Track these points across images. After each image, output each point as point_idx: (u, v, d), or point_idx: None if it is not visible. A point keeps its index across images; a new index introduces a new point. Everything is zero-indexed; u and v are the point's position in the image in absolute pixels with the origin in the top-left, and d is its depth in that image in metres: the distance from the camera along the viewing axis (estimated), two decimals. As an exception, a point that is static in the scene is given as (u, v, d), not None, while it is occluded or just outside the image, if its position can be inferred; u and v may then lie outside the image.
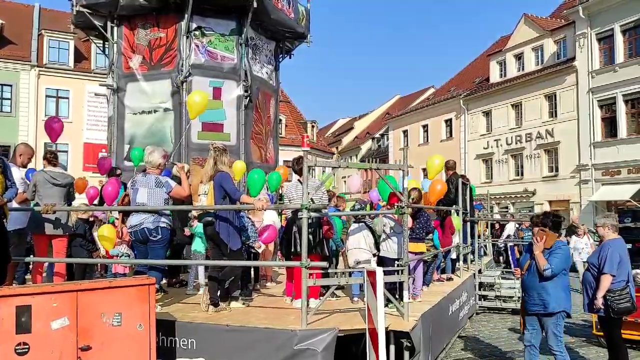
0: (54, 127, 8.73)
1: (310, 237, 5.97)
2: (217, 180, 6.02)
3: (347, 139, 63.18)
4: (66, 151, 29.81)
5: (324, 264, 5.70)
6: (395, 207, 5.94)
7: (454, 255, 9.76)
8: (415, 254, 6.90)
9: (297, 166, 6.32)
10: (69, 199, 6.90)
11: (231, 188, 5.99)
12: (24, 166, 6.86)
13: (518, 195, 31.78)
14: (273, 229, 7.65)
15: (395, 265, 6.18)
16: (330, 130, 71.39)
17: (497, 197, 31.76)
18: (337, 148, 60.82)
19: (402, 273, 5.82)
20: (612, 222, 6.08)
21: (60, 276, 6.86)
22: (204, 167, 6.30)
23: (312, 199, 6.00)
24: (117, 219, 7.93)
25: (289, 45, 13.40)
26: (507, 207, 32.41)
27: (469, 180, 11.13)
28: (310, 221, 5.88)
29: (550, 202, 29.86)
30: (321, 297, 6.34)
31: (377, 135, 54.77)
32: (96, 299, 4.64)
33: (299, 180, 6.51)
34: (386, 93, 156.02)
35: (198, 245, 7.63)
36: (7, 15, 30.60)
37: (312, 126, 49.98)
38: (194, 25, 10.93)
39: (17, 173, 6.44)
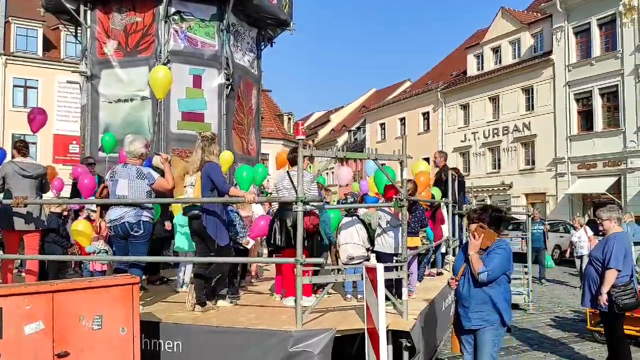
0: (36, 118, 8.19)
1: (291, 230, 5.65)
2: (205, 171, 5.63)
3: (323, 132, 62.93)
4: (35, 143, 28.75)
5: (320, 260, 5.37)
6: (394, 199, 5.64)
7: (443, 249, 9.54)
8: (410, 248, 6.63)
9: (290, 155, 5.98)
10: (42, 190, 6.43)
11: (220, 180, 5.61)
12: None
13: (495, 188, 31.99)
14: (265, 221, 7.28)
15: (394, 260, 5.89)
16: (307, 123, 70.99)
17: (474, 190, 31.89)
18: (313, 141, 60.44)
19: (401, 269, 5.54)
20: (617, 215, 5.90)
21: (33, 274, 6.39)
22: (191, 157, 5.88)
23: (295, 189, 5.70)
24: (95, 211, 7.45)
25: (271, 33, 12.96)
26: (483, 200, 32.57)
27: (460, 173, 10.94)
28: (292, 215, 5.56)
29: (526, 195, 30.14)
30: (315, 295, 6.02)
31: (353, 128, 54.61)
32: (74, 300, 4.24)
33: (287, 171, 6.16)
34: (361, 86, 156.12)
35: (181, 241, 7.20)
36: (-29, 1, 29.39)
37: (289, 118, 49.56)
38: (173, 10, 10.42)
39: None
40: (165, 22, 10.32)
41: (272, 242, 6.15)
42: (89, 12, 10.81)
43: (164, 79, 7.87)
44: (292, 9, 12.77)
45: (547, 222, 15.56)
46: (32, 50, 30.40)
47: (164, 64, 10.12)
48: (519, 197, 30.28)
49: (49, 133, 29.26)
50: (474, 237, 4.40)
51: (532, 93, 29.84)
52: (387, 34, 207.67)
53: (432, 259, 9.15)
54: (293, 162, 5.98)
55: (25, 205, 5.95)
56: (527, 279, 10.60)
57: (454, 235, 9.89)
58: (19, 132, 27.50)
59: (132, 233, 5.63)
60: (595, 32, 26.16)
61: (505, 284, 4.41)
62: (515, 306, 10.66)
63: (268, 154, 40.01)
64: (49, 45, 31.14)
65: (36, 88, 30.09)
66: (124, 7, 10.60)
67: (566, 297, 12.31)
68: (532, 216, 12.34)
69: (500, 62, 32.68)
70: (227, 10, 10.71)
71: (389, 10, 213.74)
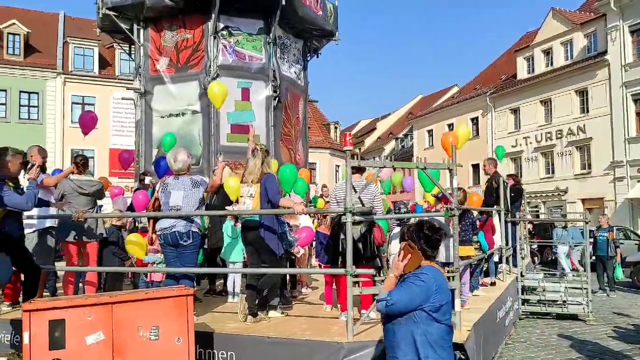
0: (87, 120, 8.59)
1: (360, 245, 5.60)
2: (264, 182, 5.75)
3: (369, 140, 62.72)
4: (92, 157, 29.99)
5: (371, 271, 5.34)
6: (445, 209, 5.56)
7: (496, 258, 9.31)
8: (462, 258, 6.51)
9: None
10: (99, 198, 6.76)
11: (274, 190, 5.71)
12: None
13: (549, 194, 30.99)
14: (309, 231, 7.33)
15: (445, 270, 5.79)
16: (353, 131, 70.93)
17: (527, 196, 31.00)
18: (359, 149, 60.33)
19: (453, 280, 5.44)
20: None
21: (92, 285, 6.64)
22: (249, 168, 5.96)
23: (361, 201, 5.65)
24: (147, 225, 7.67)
25: (317, 44, 13.07)
26: (537, 207, 31.63)
27: (519, 180, 10.69)
28: (362, 228, 5.52)
29: (582, 200, 29.08)
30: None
31: (400, 136, 54.19)
32: (132, 311, 4.37)
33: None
34: (408, 93, 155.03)
35: (229, 251, 7.30)
36: (33, 24, 30.98)
37: (335, 127, 49.69)
38: (221, 25, 10.69)
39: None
40: (214, 37, 10.58)
41: (339, 259, 6.00)
42: (142, 31, 11.22)
43: (220, 93, 8.17)
44: (337, 20, 12.84)
45: (613, 230, 14.95)
46: (89, 69, 31.70)
47: (213, 79, 10.37)
48: (574, 202, 29.24)
49: (105, 147, 30.43)
50: (399, 257, 3.47)
51: (587, 95, 28.85)
52: (433, 39, 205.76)
53: (484, 268, 8.96)
54: (356, 170, 6.00)
55: (85, 220, 6.22)
56: (587, 289, 10.19)
57: (507, 244, 9.66)
58: (77, 147, 28.75)
59: (181, 242, 5.77)
60: (653, 30, 25.10)
61: (428, 323, 3.32)
62: (574, 317, 10.30)
63: (315, 164, 40.27)
64: (105, 63, 32.41)
65: (93, 104, 31.30)
66: (175, 25, 10.95)
67: (628, 307, 11.77)
68: (585, 221, 11.80)
69: (552, 64, 31.76)
70: (274, 24, 10.87)
71: (435, 14, 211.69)
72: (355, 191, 5.64)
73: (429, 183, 8.09)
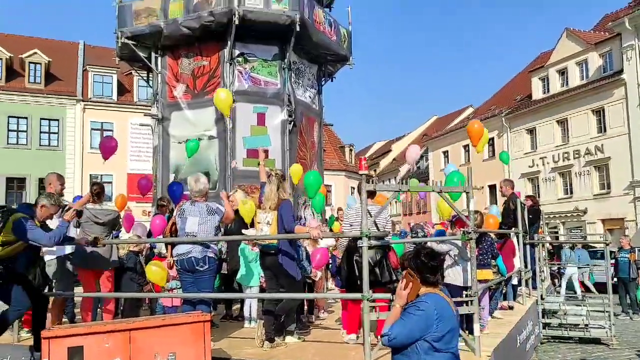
0: (107, 146, 8.74)
1: (377, 269, 5.59)
2: (280, 210, 5.81)
3: (384, 162, 62.71)
4: (110, 182, 30.40)
5: (388, 295, 5.30)
6: (461, 232, 5.53)
7: (515, 281, 9.18)
8: (481, 281, 6.43)
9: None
10: (114, 228, 6.82)
11: (289, 217, 5.75)
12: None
13: (568, 215, 30.60)
14: (324, 252, 7.32)
15: (463, 295, 5.74)
16: (368, 154, 71.02)
17: (546, 217, 30.65)
18: (374, 171, 60.33)
19: (471, 304, 5.38)
20: None
21: (110, 312, 6.67)
22: (265, 194, 6.02)
23: (376, 225, 5.64)
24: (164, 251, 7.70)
25: (331, 68, 13.21)
26: (556, 227, 31.21)
27: (536, 201, 10.60)
28: (377, 251, 5.51)
29: (603, 220, 28.63)
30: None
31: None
32: (149, 338, 4.39)
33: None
34: (422, 114, 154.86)
35: (246, 276, 7.30)
36: (53, 53, 31.76)
37: (350, 150, 49.84)
38: (237, 52, 10.86)
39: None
40: (230, 64, 10.75)
41: (356, 282, 5.95)
42: (159, 58, 11.45)
43: (226, 100, 8.36)
44: (351, 44, 12.99)
45: (635, 251, 14.65)
46: (108, 95, 32.32)
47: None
48: (594, 223, 28.81)
49: (123, 172, 30.82)
50: (401, 286, 3.35)
51: (604, 114, 28.65)
52: (447, 60, 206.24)
53: (503, 291, 8.83)
54: (371, 194, 6.02)
55: (104, 245, 6.30)
56: (609, 312, 9.99)
57: (526, 267, 9.53)
58: (96, 172, 29.22)
59: (197, 268, 5.78)
60: (670, 48, 24.95)
61: (430, 353, 3.20)
62: (597, 341, 10.08)
63: (331, 186, 40.32)
64: (123, 90, 33.03)
65: (111, 130, 31.82)
66: (192, 53, 11.17)
67: (653, 331, 11.50)
68: (606, 243, 11.59)
69: (567, 84, 31.66)
70: (289, 50, 11.02)
71: (448, 35, 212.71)
72: (371, 215, 5.64)
73: (453, 195, 8.01)
